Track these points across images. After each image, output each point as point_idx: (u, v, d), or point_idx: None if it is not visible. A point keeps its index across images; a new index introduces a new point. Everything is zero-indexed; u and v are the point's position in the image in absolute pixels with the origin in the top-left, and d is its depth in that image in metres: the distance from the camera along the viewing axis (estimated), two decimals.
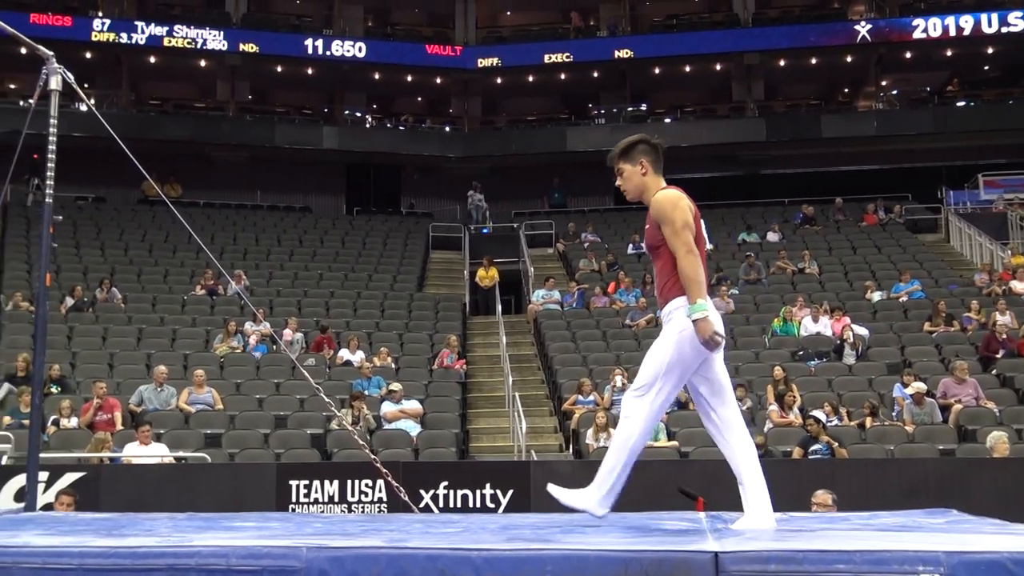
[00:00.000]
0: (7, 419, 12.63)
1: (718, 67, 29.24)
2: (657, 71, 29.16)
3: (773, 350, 16.33)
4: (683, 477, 9.74)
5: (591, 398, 14.18)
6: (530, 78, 29.55)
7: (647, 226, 4.35)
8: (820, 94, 30.24)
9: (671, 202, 4.22)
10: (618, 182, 4.40)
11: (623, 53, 28.30)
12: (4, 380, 13.82)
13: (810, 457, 11.38)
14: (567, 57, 28.51)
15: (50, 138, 5.99)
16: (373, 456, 7.09)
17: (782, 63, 28.92)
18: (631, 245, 22.60)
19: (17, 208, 21.86)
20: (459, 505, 9.53)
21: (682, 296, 4.14)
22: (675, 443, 12.57)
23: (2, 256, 19.58)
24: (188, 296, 18.61)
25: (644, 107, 29.14)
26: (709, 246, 4.39)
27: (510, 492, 9.53)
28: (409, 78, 29.54)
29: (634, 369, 14.95)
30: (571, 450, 13.53)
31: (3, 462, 11.60)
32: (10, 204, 21.66)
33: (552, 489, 4.38)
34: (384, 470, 6.92)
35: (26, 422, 12.05)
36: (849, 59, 28.90)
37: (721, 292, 18.40)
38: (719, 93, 30.07)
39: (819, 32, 28.20)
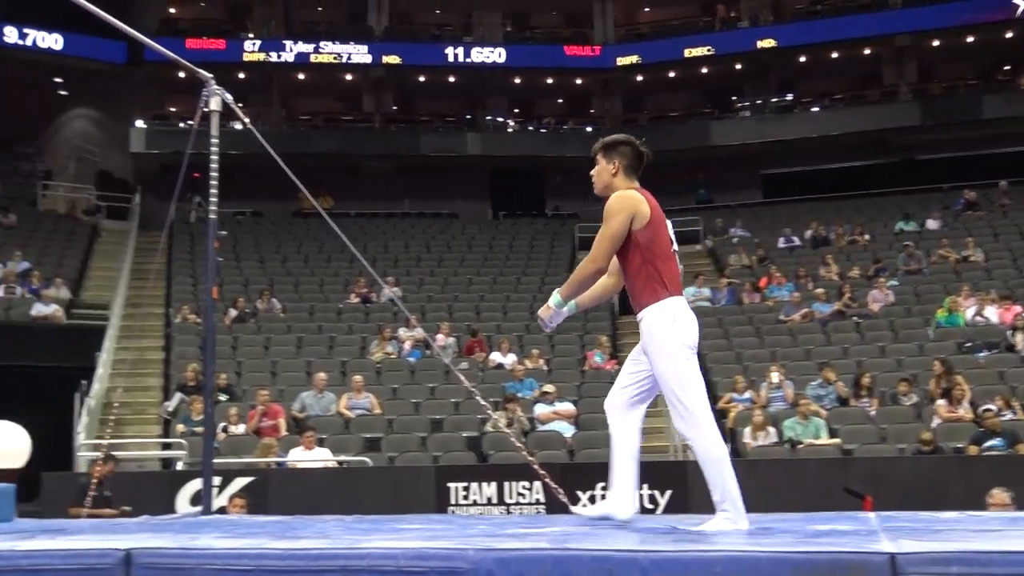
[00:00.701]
0: (180, 427, 13.24)
1: (867, 51, 28.25)
2: (802, 59, 28.41)
3: (938, 342, 15.65)
4: (847, 476, 9.46)
5: (747, 396, 13.91)
6: (671, 74, 29.23)
7: None
8: (979, 73, 28.81)
9: (619, 204, 4.21)
10: (592, 172, 4.47)
11: (766, 43, 27.67)
12: (176, 390, 14.50)
13: (984, 453, 10.86)
14: (708, 51, 28.06)
15: (212, 157, 6.25)
16: (531, 458, 7.11)
17: (936, 43, 27.72)
18: (782, 239, 22.08)
19: (181, 225, 22.87)
20: None
21: (655, 303, 4.19)
22: (837, 440, 12.20)
23: (169, 271, 20.53)
24: (343, 304, 19.13)
25: (790, 97, 28.43)
26: (675, 247, 4.38)
27: (668, 493, 9.44)
28: (549, 80, 29.63)
29: (790, 365, 14.66)
30: (729, 449, 13.27)
31: (179, 467, 12.19)
32: (174, 221, 22.69)
33: (700, 529, 4.17)
34: (542, 471, 6.94)
35: (198, 429, 12.62)
36: (1009, 35, 27.47)
37: (879, 283, 17.79)
38: (869, 78, 29.03)
39: (975, 8, 26.87)
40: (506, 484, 9.86)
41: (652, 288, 4.20)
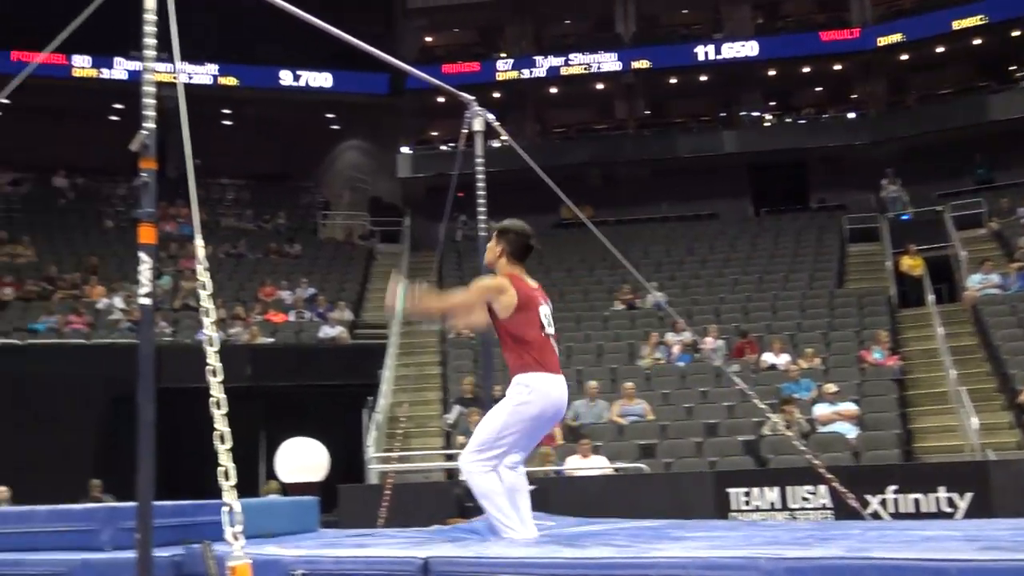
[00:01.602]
0: (460, 438, 13.70)
1: None
2: None
3: None
4: None
5: None
6: (939, 49, 27.38)
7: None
8: None
9: (481, 284, 4.84)
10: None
11: None
12: (455, 402, 15.04)
13: None
14: (981, 20, 26.07)
15: (479, 176, 6.47)
16: (816, 461, 6.84)
17: None
18: None
19: (448, 243, 23.75)
20: (911, 511, 8.94)
21: (524, 373, 4.71)
22: None
23: (441, 288, 21.35)
24: (609, 311, 19.22)
25: None
26: (550, 330, 4.90)
27: (968, 496, 8.76)
28: (805, 69, 28.59)
29: None
30: None
31: (461, 478, 12.61)
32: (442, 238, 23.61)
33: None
34: (828, 475, 6.68)
35: None
36: None
37: None
38: None
39: None
40: (789, 489, 9.51)
41: (524, 363, 4.74)
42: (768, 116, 28.85)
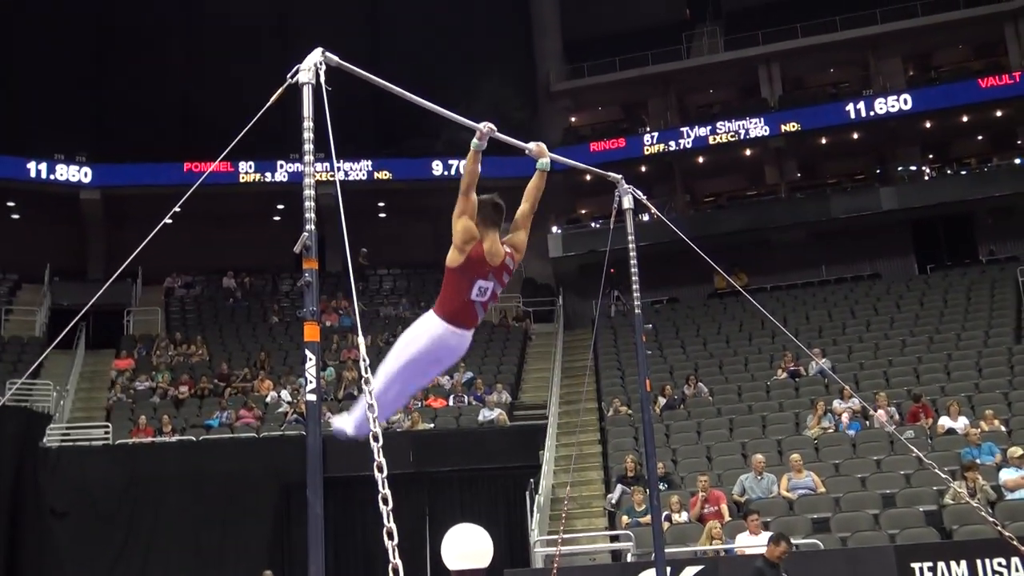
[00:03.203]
0: (625, 518, 13.50)
1: None
2: None
3: None
4: None
5: None
6: None
7: None
8: None
9: (468, 225, 5.10)
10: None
11: None
12: (617, 482, 14.85)
13: None
14: None
15: (631, 252, 6.45)
16: (1008, 534, 6.41)
17: None
18: None
19: (602, 319, 23.70)
20: None
21: (431, 311, 5.06)
22: None
23: (597, 366, 21.27)
24: (771, 381, 18.71)
25: None
26: (481, 298, 5.10)
27: None
28: (964, 119, 27.56)
29: None
30: None
31: (628, 559, 12.40)
32: (594, 317, 23.57)
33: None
34: (1021, 547, 6.26)
35: (642, 520, 12.83)
36: None
37: None
38: None
39: None
40: (978, 562, 8.97)
41: (439, 304, 5.05)
42: (927, 170, 27.94)
